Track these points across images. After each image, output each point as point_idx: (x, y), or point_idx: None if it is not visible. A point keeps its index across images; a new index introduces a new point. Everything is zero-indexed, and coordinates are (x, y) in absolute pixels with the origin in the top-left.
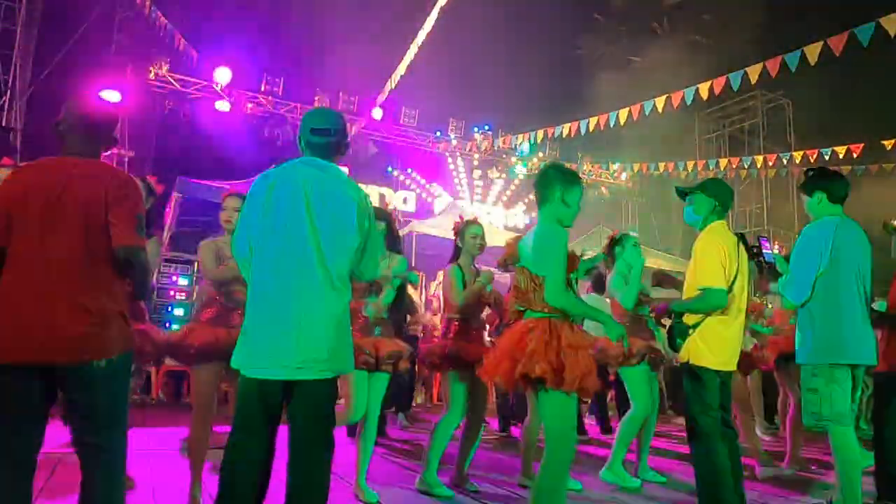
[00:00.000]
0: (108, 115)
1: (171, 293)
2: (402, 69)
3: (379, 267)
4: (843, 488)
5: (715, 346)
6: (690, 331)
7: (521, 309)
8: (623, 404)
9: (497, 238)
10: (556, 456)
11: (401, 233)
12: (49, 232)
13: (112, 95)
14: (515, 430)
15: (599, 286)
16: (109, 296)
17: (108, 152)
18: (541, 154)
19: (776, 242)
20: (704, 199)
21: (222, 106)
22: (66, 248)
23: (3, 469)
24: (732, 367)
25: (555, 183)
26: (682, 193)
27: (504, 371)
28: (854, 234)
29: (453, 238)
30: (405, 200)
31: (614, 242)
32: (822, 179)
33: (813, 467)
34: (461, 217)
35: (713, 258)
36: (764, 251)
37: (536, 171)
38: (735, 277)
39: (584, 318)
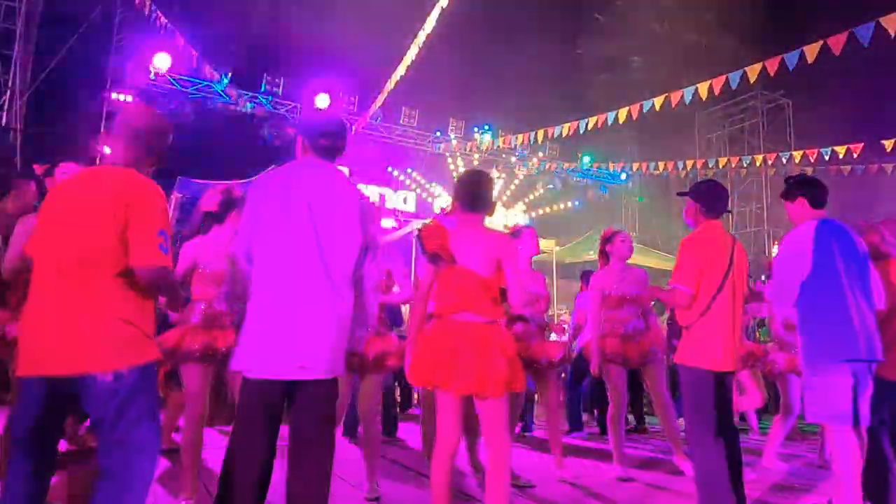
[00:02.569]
0: (155, 127)
1: None
2: (402, 69)
3: (380, 271)
4: (842, 488)
5: (707, 346)
6: (684, 331)
7: (459, 308)
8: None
9: None
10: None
11: (401, 233)
12: (62, 243)
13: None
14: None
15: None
16: (117, 307)
17: (155, 167)
18: (541, 154)
19: (775, 243)
20: (691, 202)
21: (227, 107)
22: (77, 259)
23: (20, 476)
24: (728, 367)
25: (490, 188)
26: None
27: (498, 376)
28: (836, 232)
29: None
30: (405, 200)
31: (606, 241)
32: (802, 185)
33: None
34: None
35: (688, 259)
36: None
37: (536, 170)
38: (725, 278)
39: None
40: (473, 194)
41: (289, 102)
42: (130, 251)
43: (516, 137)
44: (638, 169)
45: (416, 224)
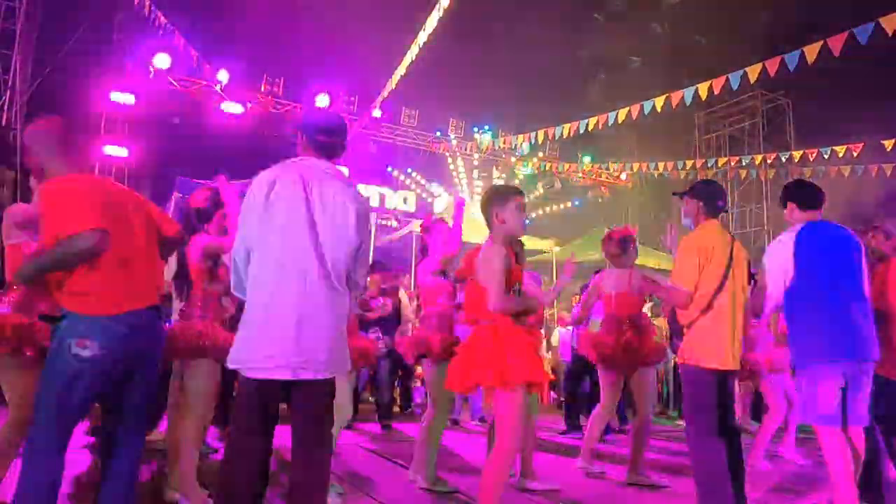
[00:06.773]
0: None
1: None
2: (402, 69)
3: (367, 273)
4: (836, 488)
5: (709, 345)
6: (685, 330)
7: (474, 318)
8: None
9: None
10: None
11: (401, 233)
12: (128, 236)
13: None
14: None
15: None
16: None
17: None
18: (541, 154)
19: None
20: (691, 202)
21: (227, 107)
22: (143, 251)
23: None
24: (730, 366)
25: (489, 205)
26: (680, 197)
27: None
28: (824, 234)
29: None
30: (405, 200)
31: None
32: (790, 190)
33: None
34: (429, 215)
35: (687, 259)
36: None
37: (537, 171)
38: (725, 276)
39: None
40: None
41: (289, 102)
42: (161, 225)
43: (516, 137)
44: (638, 169)
45: (417, 224)
